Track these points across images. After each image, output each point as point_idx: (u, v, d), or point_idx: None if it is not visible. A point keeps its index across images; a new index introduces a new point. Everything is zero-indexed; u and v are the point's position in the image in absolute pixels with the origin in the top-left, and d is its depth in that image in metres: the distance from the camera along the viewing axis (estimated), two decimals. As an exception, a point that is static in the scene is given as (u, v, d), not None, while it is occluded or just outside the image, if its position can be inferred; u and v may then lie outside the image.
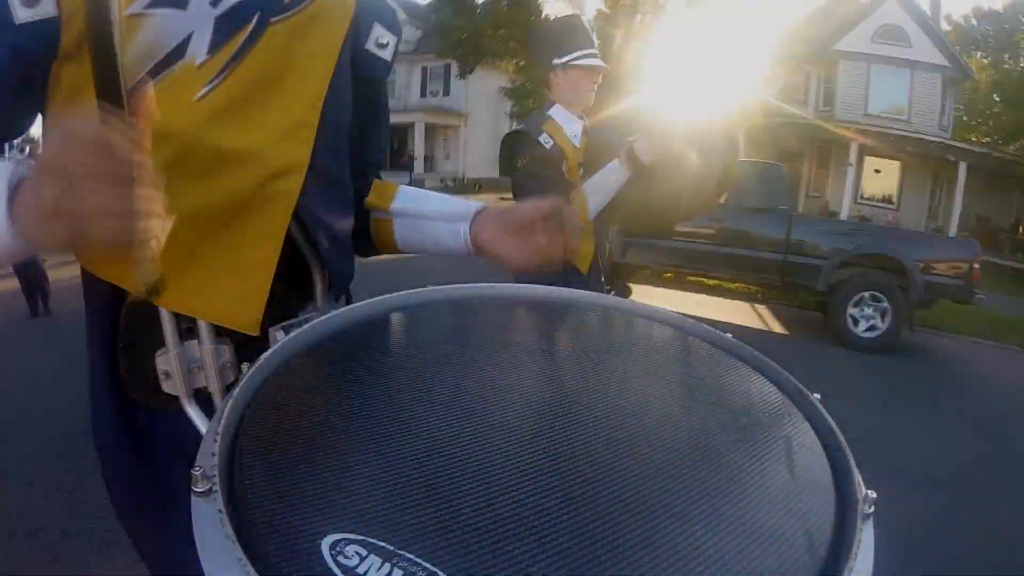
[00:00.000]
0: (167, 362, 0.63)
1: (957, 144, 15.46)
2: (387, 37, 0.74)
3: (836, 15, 16.73)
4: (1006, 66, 15.52)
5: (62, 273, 4.94)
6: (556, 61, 1.85)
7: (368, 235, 0.82)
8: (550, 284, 0.74)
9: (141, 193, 0.42)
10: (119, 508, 0.71)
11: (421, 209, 0.78)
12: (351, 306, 0.62)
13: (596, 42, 1.86)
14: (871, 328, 5.33)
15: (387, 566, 0.30)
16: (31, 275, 4.71)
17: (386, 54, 0.74)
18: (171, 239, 0.59)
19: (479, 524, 0.34)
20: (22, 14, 0.51)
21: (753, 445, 0.46)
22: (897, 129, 15.39)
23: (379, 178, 0.85)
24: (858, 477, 0.41)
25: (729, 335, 0.63)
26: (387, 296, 0.65)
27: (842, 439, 0.46)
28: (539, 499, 0.37)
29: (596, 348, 0.63)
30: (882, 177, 17.41)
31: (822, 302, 5.87)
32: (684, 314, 0.67)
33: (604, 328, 0.69)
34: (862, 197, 16.78)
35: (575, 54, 1.82)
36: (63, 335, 3.96)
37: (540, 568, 0.32)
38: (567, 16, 1.86)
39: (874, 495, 0.39)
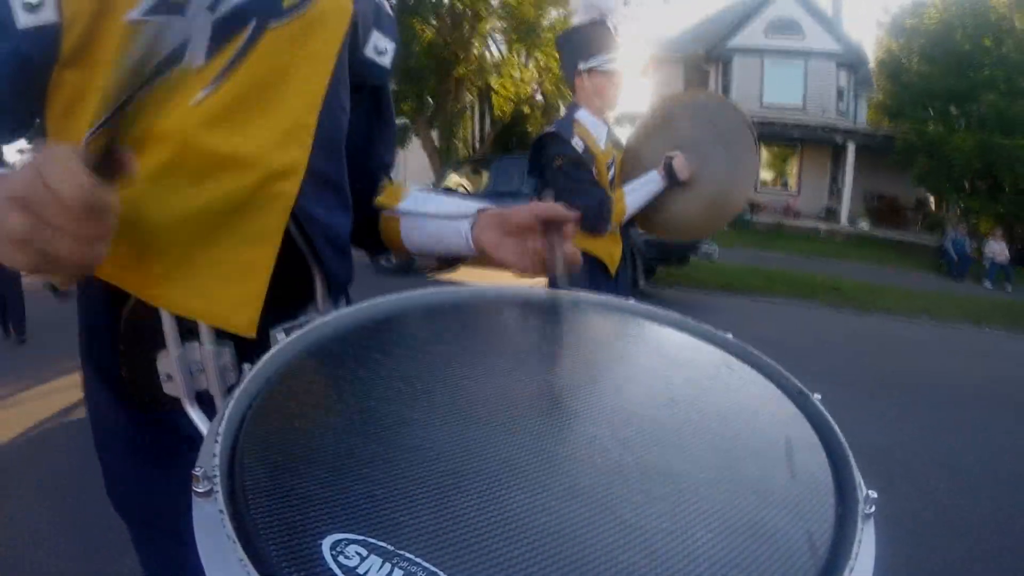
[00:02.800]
0: (168, 364, 0.63)
1: (841, 125, 16.36)
2: (385, 44, 0.74)
3: (731, 13, 18.02)
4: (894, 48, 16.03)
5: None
6: (581, 66, 1.86)
7: (373, 230, 0.83)
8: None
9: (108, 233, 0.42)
10: (121, 510, 0.71)
11: (426, 208, 0.79)
12: (352, 307, 0.62)
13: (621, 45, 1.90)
14: None
15: (388, 566, 0.30)
16: (3, 292, 4.32)
17: (385, 60, 0.75)
18: (169, 241, 0.59)
19: (480, 524, 0.34)
20: (24, 19, 0.51)
21: (753, 444, 0.46)
22: (791, 116, 16.34)
23: (390, 179, 0.85)
24: (859, 477, 0.41)
25: (729, 334, 0.63)
26: (387, 297, 0.65)
27: (843, 438, 0.46)
28: (539, 499, 0.37)
29: (596, 348, 0.63)
30: (783, 163, 18.68)
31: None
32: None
33: (604, 328, 0.69)
34: (762, 184, 17.95)
35: (599, 59, 1.84)
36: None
37: (540, 568, 0.32)
38: (592, 21, 1.87)
39: (875, 495, 0.39)
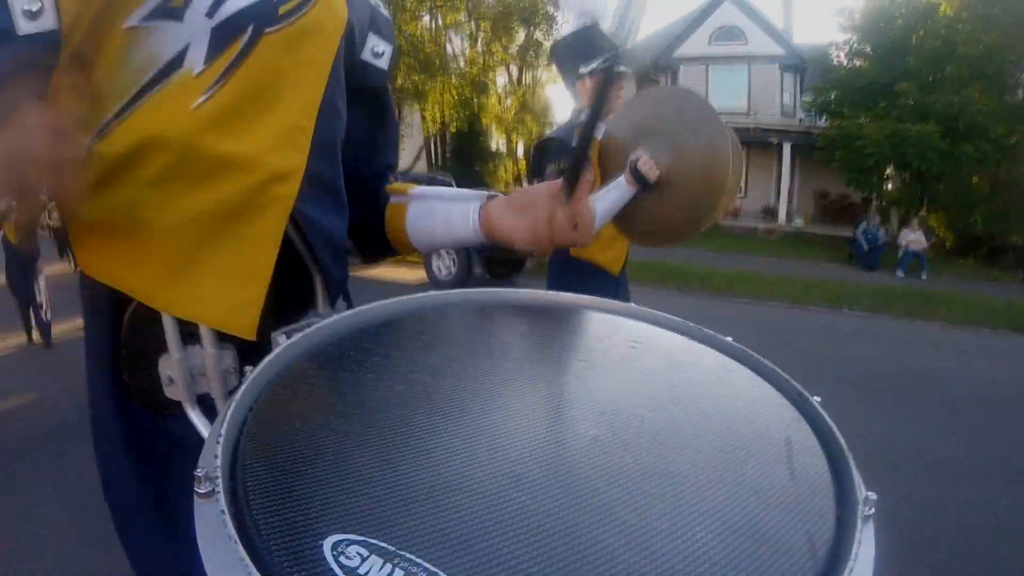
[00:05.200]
0: (170, 367, 0.63)
1: (774, 127, 16.82)
2: (382, 46, 0.75)
3: (676, 26, 18.77)
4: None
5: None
6: (582, 70, 1.89)
7: (380, 232, 0.82)
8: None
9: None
10: (118, 512, 0.71)
11: (437, 192, 0.80)
12: (352, 310, 0.63)
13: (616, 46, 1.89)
14: (448, 272, 7.65)
15: (388, 566, 0.30)
16: (28, 296, 4.37)
17: (382, 63, 0.76)
18: (170, 245, 0.60)
19: (481, 525, 0.34)
20: (24, 26, 0.52)
21: (753, 447, 0.46)
22: (738, 120, 16.64)
23: (396, 179, 0.86)
24: (858, 478, 0.42)
25: (729, 338, 0.64)
26: (388, 300, 0.65)
27: (842, 441, 0.46)
28: (540, 500, 0.37)
29: (596, 352, 0.63)
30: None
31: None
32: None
33: (604, 332, 0.69)
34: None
35: (598, 62, 1.86)
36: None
37: (540, 569, 0.32)
38: (585, 26, 1.89)
39: (874, 496, 0.39)
